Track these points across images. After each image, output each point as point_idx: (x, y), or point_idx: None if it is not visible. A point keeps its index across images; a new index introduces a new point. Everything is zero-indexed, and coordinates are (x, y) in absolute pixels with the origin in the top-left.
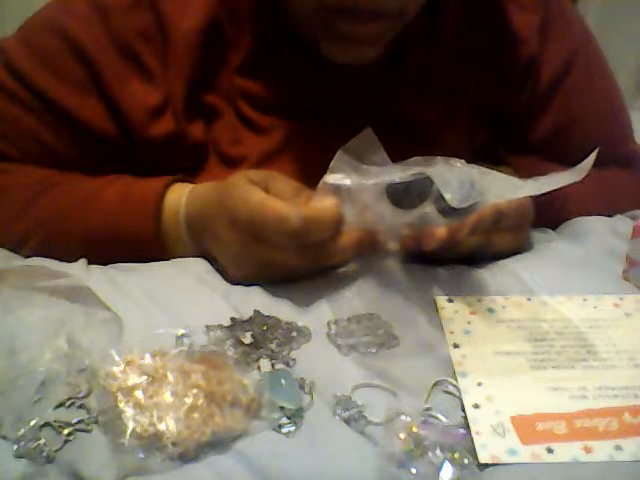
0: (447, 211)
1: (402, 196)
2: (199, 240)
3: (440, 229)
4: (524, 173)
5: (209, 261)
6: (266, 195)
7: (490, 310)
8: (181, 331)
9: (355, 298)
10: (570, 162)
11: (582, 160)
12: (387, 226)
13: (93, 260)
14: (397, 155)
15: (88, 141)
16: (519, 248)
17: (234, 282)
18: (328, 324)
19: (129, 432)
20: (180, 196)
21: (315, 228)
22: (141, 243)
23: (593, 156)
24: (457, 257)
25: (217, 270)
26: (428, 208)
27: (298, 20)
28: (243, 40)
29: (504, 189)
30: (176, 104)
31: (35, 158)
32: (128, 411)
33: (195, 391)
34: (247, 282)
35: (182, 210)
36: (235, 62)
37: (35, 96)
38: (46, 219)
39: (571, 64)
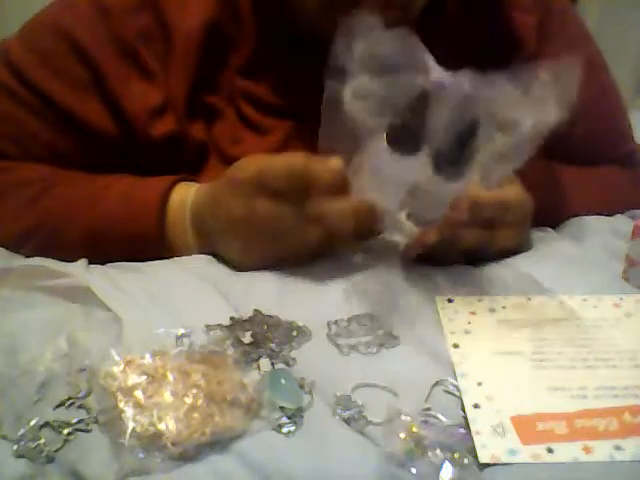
0: (442, 163)
1: (401, 135)
2: (205, 236)
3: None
4: (524, 172)
5: (210, 260)
6: (266, 157)
7: (490, 310)
8: (181, 331)
9: (355, 298)
10: (570, 161)
11: (581, 159)
12: (388, 194)
13: (95, 260)
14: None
15: (89, 141)
16: (520, 246)
17: (241, 268)
18: (328, 324)
19: (129, 432)
20: (186, 196)
21: (319, 169)
22: (145, 244)
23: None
24: (460, 253)
25: (218, 270)
26: (424, 161)
27: (303, 17)
28: (244, 41)
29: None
30: (177, 104)
31: (36, 158)
32: (128, 411)
33: (195, 391)
34: (254, 264)
35: (188, 209)
36: (236, 63)
37: (36, 96)
38: (48, 219)
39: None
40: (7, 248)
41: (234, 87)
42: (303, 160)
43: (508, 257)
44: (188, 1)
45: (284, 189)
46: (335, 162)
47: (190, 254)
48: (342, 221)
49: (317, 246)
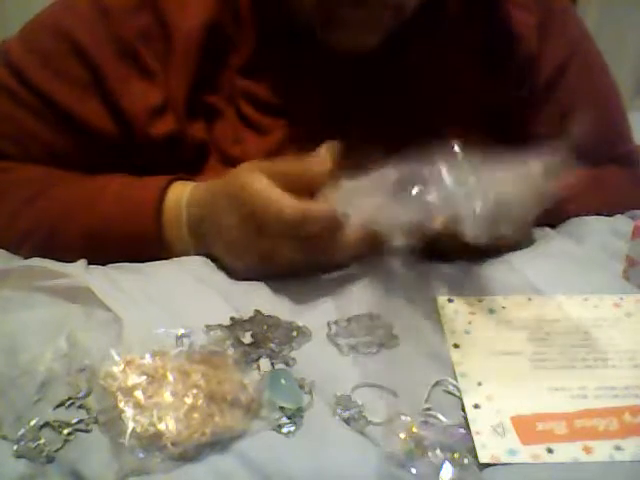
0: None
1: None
2: (200, 237)
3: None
4: None
5: (209, 260)
6: (268, 182)
7: (490, 310)
8: (181, 331)
9: (355, 298)
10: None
11: (581, 159)
12: (390, 217)
13: (93, 260)
14: (396, 150)
15: (89, 141)
16: (522, 242)
17: (236, 276)
18: (328, 324)
19: (129, 432)
20: (182, 195)
21: (310, 221)
22: (142, 244)
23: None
24: (464, 246)
25: (217, 270)
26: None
27: (302, 17)
28: (245, 41)
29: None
30: (177, 104)
31: (36, 158)
32: (128, 411)
33: (195, 391)
34: (249, 275)
35: (184, 208)
36: (236, 62)
37: (36, 96)
38: (46, 219)
39: (569, 63)
40: (6, 249)
41: (234, 87)
42: (294, 211)
43: (509, 256)
44: (188, 1)
45: (273, 233)
46: (327, 208)
47: (187, 252)
48: (343, 253)
49: (310, 269)
